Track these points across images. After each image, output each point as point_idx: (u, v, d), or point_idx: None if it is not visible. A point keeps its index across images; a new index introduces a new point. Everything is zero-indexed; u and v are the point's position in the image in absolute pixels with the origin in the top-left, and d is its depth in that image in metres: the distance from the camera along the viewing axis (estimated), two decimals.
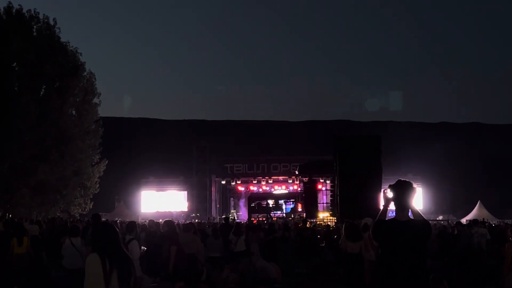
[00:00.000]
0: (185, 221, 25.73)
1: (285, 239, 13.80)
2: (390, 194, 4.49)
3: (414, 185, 4.51)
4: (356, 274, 9.70)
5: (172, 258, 8.94)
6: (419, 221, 4.35)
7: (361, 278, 9.67)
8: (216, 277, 10.02)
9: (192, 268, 9.55)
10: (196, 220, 27.56)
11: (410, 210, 4.45)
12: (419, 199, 39.65)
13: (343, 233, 10.53)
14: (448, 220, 26.68)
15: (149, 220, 17.71)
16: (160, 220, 17.49)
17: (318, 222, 27.19)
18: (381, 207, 4.60)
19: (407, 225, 4.31)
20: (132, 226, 9.01)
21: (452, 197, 44.89)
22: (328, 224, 22.39)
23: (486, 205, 38.20)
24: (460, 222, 15.46)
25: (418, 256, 4.27)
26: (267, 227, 16.26)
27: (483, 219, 15.17)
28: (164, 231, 9.50)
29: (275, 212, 34.61)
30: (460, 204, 42.17)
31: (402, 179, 4.51)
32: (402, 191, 4.42)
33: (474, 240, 12.54)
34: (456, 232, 13.69)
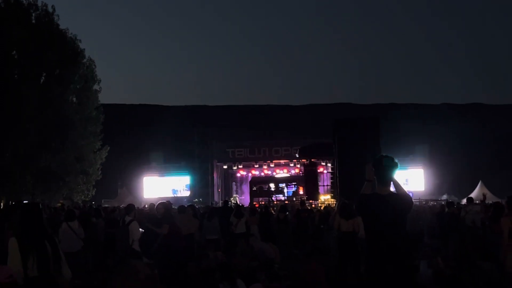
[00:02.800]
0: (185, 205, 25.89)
1: (283, 221, 13.96)
2: (372, 169, 4.61)
3: (396, 161, 4.61)
4: (350, 252, 9.81)
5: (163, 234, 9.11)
6: (401, 194, 4.47)
7: (356, 256, 9.79)
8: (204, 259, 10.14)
9: (189, 248, 9.71)
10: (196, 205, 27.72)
11: (393, 184, 4.57)
12: (421, 180, 39.77)
13: (336, 211, 10.65)
14: (447, 200, 26.76)
15: (150, 204, 17.91)
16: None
17: (319, 205, 27.39)
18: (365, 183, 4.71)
19: (389, 198, 4.42)
20: (130, 208, 9.19)
21: (454, 178, 44.98)
22: (326, 206, 22.52)
23: (488, 185, 38.27)
24: (451, 202, 15.55)
25: (399, 228, 4.39)
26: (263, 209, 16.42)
27: (482, 199, 15.23)
28: (160, 213, 9.65)
29: (276, 195, 34.73)
30: (463, 185, 42.26)
31: (384, 154, 4.62)
32: (384, 166, 4.52)
33: (468, 218, 12.66)
34: (446, 210, 13.82)
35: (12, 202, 24.16)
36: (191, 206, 12.24)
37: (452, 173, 45.18)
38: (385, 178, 4.50)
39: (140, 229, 9.17)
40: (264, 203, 26.29)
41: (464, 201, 25.43)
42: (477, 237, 11.61)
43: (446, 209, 13.75)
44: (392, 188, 4.56)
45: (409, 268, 4.47)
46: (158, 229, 9.16)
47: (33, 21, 28.00)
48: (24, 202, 11.97)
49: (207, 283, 7.64)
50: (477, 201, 18.76)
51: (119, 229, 9.29)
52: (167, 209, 9.73)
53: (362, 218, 4.64)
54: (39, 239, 4.79)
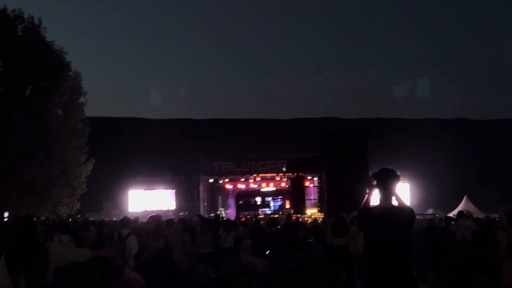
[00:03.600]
0: (173, 219, 25.68)
1: (273, 234, 13.88)
2: (374, 182, 4.55)
3: (398, 173, 4.57)
4: (343, 267, 9.77)
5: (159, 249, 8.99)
6: (403, 208, 4.41)
7: (349, 270, 9.74)
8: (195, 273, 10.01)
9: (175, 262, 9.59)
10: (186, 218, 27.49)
11: (394, 197, 4.51)
12: (407, 194, 39.90)
13: (329, 228, 10.61)
14: (435, 214, 26.89)
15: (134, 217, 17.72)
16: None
17: (306, 219, 27.32)
18: (365, 196, 4.66)
19: (392, 211, 4.36)
20: (126, 221, 9.04)
21: (439, 193, 45.24)
22: (315, 219, 22.49)
23: (473, 200, 38.53)
24: (449, 217, 15.62)
25: (403, 242, 4.32)
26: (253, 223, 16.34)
27: (467, 212, 15.35)
28: (151, 227, 9.53)
29: (263, 209, 34.62)
30: (448, 199, 42.50)
31: (386, 167, 4.57)
32: (386, 178, 4.47)
33: (459, 232, 12.68)
34: (442, 225, 13.83)
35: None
36: (182, 220, 12.10)
37: (437, 188, 45.44)
38: (387, 190, 4.45)
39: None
40: (252, 217, 26.18)
41: (451, 215, 25.65)
42: (469, 251, 11.61)
43: (443, 224, 13.75)
44: (394, 201, 4.51)
45: (411, 282, 4.40)
46: (150, 242, 9.03)
47: (19, 33, 27.80)
48: (20, 215, 11.71)
49: None
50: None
51: (114, 243, 9.09)
52: (158, 222, 9.61)
53: (363, 232, 4.57)
54: (30, 252, 4.69)
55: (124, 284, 6.80)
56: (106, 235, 11.65)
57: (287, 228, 15.37)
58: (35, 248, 4.77)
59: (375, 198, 4.54)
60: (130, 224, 9.12)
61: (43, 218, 23.51)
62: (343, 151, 22.94)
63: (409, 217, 4.41)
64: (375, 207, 4.45)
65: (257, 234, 14.15)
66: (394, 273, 4.20)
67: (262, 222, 21.93)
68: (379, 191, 4.46)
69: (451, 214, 27.68)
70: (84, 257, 5.13)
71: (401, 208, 4.40)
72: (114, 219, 24.94)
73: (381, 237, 4.30)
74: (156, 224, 9.52)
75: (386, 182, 4.44)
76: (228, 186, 41.38)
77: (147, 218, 10.47)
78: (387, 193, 4.43)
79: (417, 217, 24.39)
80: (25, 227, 4.86)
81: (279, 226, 15.35)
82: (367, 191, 4.61)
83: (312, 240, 15.70)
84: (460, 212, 14.99)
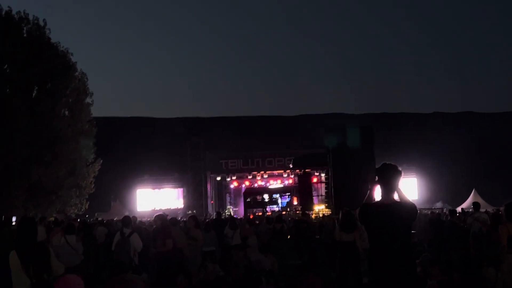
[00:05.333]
0: (181, 218, 25.76)
1: (280, 231, 13.88)
2: (375, 177, 4.54)
3: (399, 168, 4.55)
4: (350, 263, 9.75)
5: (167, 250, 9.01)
6: (405, 203, 4.39)
7: (356, 267, 9.73)
8: (202, 271, 10.02)
9: (180, 262, 9.60)
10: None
11: (396, 193, 4.48)
12: (414, 189, 39.86)
13: (337, 224, 10.60)
14: (443, 209, 26.80)
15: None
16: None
17: (313, 215, 27.31)
18: (368, 192, 4.64)
19: (393, 207, 4.34)
20: (127, 220, 9.07)
21: (447, 187, 45.10)
22: (324, 215, 22.49)
23: (482, 193, 38.38)
24: (454, 210, 15.47)
25: (404, 237, 4.31)
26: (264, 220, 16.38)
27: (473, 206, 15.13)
28: (157, 226, 9.55)
29: (270, 206, 34.65)
30: (456, 193, 42.35)
31: (388, 162, 4.55)
32: (387, 173, 4.45)
33: (475, 225, 12.56)
34: (449, 218, 13.74)
35: (2, 217, 23.88)
36: (193, 217, 12.12)
37: (445, 182, 45.29)
38: (389, 186, 4.42)
39: None
40: (260, 214, 26.23)
41: (459, 209, 25.53)
42: (481, 244, 11.53)
43: (449, 218, 13.65)
44: (396, 197, 4.49)
45: (415, 278, 4.38)
46: (157, 241, 9.05)
47: (24, 35, 27.88)
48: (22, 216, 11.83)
49: None
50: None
51: (118, 242, 9.13)
52: (163, 221, 9.63)
53: (365, 228, 4.55)
54: (29, 250, 5.15)
55: (129, 283, 6.88)
56: (113, 234, 11.68)
57: (297, 226, 15.40)
58: (33, 246, 5.18)
59: (378, 193, 4.52)
60: (130, 224, 9.18)
61: (51, 218, 23.62)
62: (349, 147, 22.91)
63: (411, 212, 4.38)
64: (376, 203, 4.43)
65: (266, 233, 14.17)
66: (396, 268, 4.19)
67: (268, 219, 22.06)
68: (381, 186, 4.44)
69: (459, 208, 27.63)
70: (58, 272, 5.40)
71: (403, 203, 4.37)
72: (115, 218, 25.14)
73: (382, 232, 4.29)
74: (161, 222, 9.54)
75: (387, 178, 4.42)
76: (236, 184, 41.48)
77: (153, 217, 10.51)
78: (388, 189, 4.41)
79: (425, 211, 24.40)
80: (25, 227, 5.27)
81: (285, 223, 15.36)
82: (370, 187, 4.59)
83: (319, 237, 15.70)
84: (476, 204, 14.62)
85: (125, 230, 8.70)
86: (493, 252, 8.91)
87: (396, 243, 4.25)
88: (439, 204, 36.83)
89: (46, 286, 5.13)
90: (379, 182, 4.47)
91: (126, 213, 33.95)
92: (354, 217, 10.07)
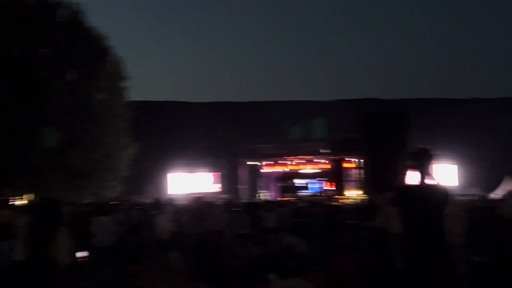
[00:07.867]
0: (217, 201, 25.95)
1: (313, 216, 13.88)
2: (410, 161, 4.49)
3: (433, 152, 4.50)
4: (381, 248, 9.67)
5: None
6: (438, 187, 4.36)
7: (387, 251, 9.63)
8: (240, 252, 10.10)
9: (218, 244, 9.68)
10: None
11: (429, 176, 4.45)
12: (454, 176, 39.14)
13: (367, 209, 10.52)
14: (479, 195, 26.28)
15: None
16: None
17: (347, 200, 27.21)
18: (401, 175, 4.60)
19: (429, 189, 4.31)
20: (155, 203, 9.23)
21: (486, 174, 44.19)
22: (356, 201, 22.37)
23: None
24: (488, 196, 15.18)
25: (438, 222, 4.27)
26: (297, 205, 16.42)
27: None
28: (193, 208, 9.66)
29: (302, 191, 34.60)
30: (494, 181, 41.48)
31: (422, 146, 4.50)
32: (422, 157, 4.41)
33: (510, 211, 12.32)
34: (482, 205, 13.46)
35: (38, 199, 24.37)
36: (226, 202, 12.27)
37: (484, 169, 44.36)
38: (423, 170, 4.39)
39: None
40: (294, 199, 26.23)
41: (493, 195, 25.01)
42: None
43: (483, 204, 13.40)
44: (428, 181, 4.45)
45: (449, 262, 4.33)
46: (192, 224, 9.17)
47: (61, 19, 28.28)
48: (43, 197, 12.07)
49: (248, 276, 7.57)
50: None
51: (145, 223, 9.31)
52: (199, 203, 9.73)
53: (400, 210, 4.51)
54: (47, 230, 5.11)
55: (166, 263, 6.93)
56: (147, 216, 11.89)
57: (328, 210, 15.36)
58: (52, 227, 5.17)
59: (410, 177, 4.49)
60: (159, 205, 9.32)
61: (87, 201, 24.14)
62: (385, 132, 22.66)
63: (444, 196, 4.34)
64: (412, 186, 4.40)
65: (298, 215, 14.20)
66: (431, 252, 4.16)
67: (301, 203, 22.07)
68: (415, 170, 4.40)
69: (493, 194, 27.06)
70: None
71: (437, 187, 4.34)
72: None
73: (417, 216, 4.26)
74: (198, 205, 9.65)
75: (422, 161, 4.39)
76: (268, 169, 41.47)
77: (191, 199, 10.64)
78: (423, 172, 4.37)
79: (461, 197, 24.03)
80: (45, 208, 5.25)
81: (318, 208, 15.35)
82: (403, 171, 4.56)
83: (353, 222, 15.63)
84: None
85: (152, 212, 8.88)
86: None
87: (430, 226, 4.22)
88: (474, 190, 36.13)
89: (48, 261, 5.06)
90: (413, 166, 4.43)
91: (159, 196, 34.46)
92: (381, 202, 9.96)
